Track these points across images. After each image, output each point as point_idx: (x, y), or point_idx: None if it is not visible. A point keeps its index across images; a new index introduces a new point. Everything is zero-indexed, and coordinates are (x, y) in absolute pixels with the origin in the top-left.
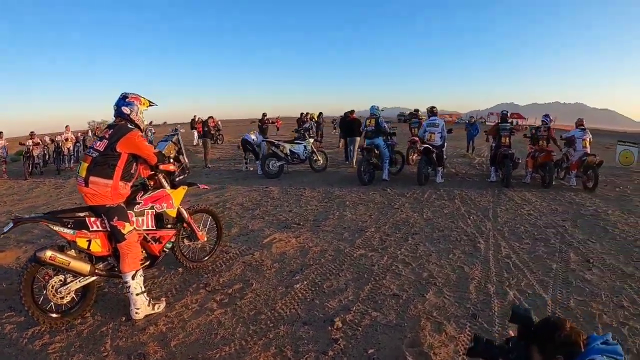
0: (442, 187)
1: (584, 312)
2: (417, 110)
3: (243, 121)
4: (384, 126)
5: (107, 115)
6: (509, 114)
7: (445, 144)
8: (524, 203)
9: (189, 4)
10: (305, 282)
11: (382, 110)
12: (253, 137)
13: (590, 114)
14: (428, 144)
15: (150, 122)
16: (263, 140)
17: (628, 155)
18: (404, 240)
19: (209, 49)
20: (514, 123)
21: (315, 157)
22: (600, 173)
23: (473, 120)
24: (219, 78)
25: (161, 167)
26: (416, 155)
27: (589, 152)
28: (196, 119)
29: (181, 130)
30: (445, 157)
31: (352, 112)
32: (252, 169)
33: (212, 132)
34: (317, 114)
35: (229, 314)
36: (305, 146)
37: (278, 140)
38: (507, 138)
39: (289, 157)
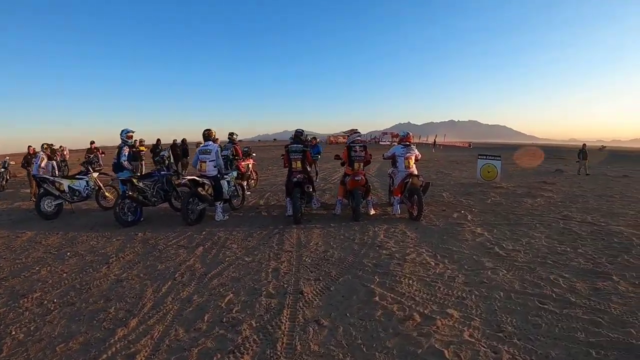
0: (210, 228)
1: None
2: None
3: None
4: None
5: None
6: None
7: (233, 173)
8: (280, 253)
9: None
10: None
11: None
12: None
13: (484, 130)
14: (202, 175)
15: None
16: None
17: (490, 170)
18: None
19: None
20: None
21: (103, 193)
22: (455, 191)
23: (315, 141)
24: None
25: None
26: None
27: (414, 172)
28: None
29: (11, 162)
30: (232, 187)
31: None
32: None
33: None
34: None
35: None
36: (87, 182)
37: (54, 176)
38: (299, 162)
39: (68, 195)
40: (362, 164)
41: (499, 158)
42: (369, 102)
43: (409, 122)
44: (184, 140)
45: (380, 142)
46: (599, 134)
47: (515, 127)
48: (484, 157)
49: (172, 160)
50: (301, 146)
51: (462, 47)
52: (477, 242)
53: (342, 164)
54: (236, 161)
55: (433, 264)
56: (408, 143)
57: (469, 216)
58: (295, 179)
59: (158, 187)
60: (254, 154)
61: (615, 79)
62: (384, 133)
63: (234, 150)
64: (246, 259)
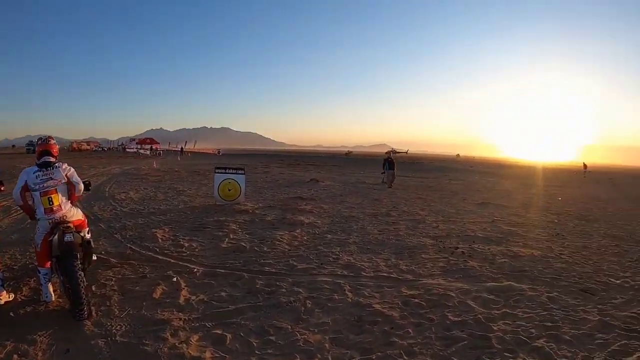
0: None
1: None
2: None
3: None
4: None
5: None
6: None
7: None
8: None
9: None
10: None
11: None
12: None
13: (236, 137)
14: None
15: None
16: None
17: (232, 187)
18: None
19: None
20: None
21: None
22: (179, 223)
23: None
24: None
25: None
26: None
27: (66, 218)
28: None
29: None
30: None
31: None
32: None
33: None
34: None
35: None
36: None
37: None
38: None
39: None
40: None
41: (242, 172)
42: (120, 107)
43: (161, 128)
44: None
45: (127, 150)
46: (342, 141)
47: (265, 134)
48: (223, 170)
49: None
50: None
51: (222, 53)
52: None
53: None
54: None
55: None
56: (51, 161)
57: (185, 290)
58: None
59: None
60: None
61: (354, 88)
62: (132, 140)
63: None
64: None
